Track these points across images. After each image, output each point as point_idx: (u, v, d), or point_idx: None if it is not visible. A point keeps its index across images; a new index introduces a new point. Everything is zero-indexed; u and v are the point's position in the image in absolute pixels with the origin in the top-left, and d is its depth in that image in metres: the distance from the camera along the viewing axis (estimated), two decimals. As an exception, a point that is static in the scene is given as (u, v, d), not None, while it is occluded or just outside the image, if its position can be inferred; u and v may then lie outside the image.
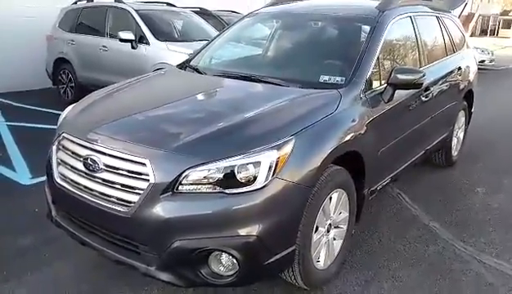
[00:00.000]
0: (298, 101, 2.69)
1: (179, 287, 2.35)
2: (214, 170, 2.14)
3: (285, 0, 4.18)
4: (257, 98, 2.88)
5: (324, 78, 2.98)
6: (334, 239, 2.81)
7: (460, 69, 4.45)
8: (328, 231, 2.70)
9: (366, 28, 3.26)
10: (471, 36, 29.37)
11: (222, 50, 3.86)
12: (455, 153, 4.91)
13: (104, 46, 7.04)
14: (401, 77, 2.95)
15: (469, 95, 4.88)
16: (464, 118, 4.99)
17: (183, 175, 2.12)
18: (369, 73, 2.96)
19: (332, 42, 3.53)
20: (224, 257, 2.21)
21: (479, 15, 33.35)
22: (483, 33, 53.19)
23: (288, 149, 2.26)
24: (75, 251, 2.88)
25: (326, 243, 2.71)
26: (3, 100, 7.69)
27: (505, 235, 3.48)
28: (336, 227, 2.80)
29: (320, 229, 2.60)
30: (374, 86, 3.02)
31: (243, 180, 2.15)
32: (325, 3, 4.14)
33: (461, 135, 5.04)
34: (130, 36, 6.48)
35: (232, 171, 2.14)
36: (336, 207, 2.72)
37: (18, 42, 8.34)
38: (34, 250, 3.03)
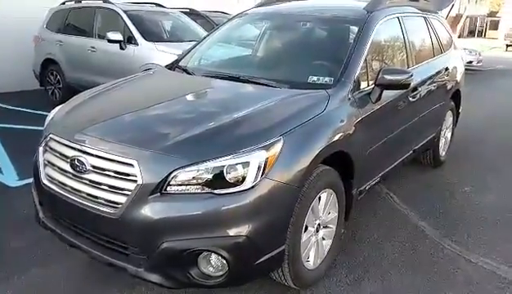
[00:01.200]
0: (287, 102, 2.70)
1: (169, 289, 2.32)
2: (203, 170, 2.14)
3: (274, 1, 4.19)
4: (245, 99, 2.88)
5: (313, 79, 3.00)
6: (324, 239, 2.82)
7: (447, 69, 4.49)
8: (317, 231, 2.71)
9: (354, 28, 3.28)
10: (459, 37, 29.69)
11: (211, 50, 3.86)
12: (442, 153, 4.95)
13: (92, 47, 6.99)
14: (388, 77, 2.97)
15: (456, 96, 4.92)
16: (451, 118, 5.03)
17: (171, 175, 2.11)
18: (357, 74, 2.97)
19: (320, 43, 3.54)
20: (213, 258, 2.20)
21: (467, 17, 33.75)
22: (471, 34, 53.68)
23: (277, 149, 2.26)
24: (65, 253, 2.85)
25: (315, 243, 2.72)
26: (-11, 102, 7.62)
27: (493, 234, 3.52)
28: (325, 227, 2.81)
29: (309, 228, 2.61)
30: (362, 87, 3.04)
31: (232, 181, 2.15)
32: (313, 4, 4.16)
33: (449, 135, 5.09)
34: (118, 37, 6.45)
35: (221, 172, 2.14)
36: (325, 206, 2.73)
37: (5, 43, 8.26)
38: (23, 252, 2.99)
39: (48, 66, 7.71)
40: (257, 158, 2.19)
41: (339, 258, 3.05)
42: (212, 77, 3.26)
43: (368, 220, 3.63)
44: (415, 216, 3.75)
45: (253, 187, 2.16)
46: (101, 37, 6.88)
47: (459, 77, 4.93)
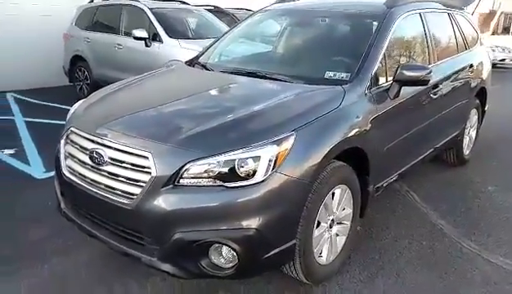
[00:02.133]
0: (302, 97, 2.71)
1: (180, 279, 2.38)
2: (214, 163, 2.18)
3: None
4: (260, 94, 2.90)
5: (329, 74, 2.99)
6: (338, 235, 2.82)
7: (471, 66, 4.39)
8: (330, 227, 2.71)
9: (373, 24, 3.26)
10: (493, 34, 28.82)
11: (230, 47, 3.89)
12: (467, 151, 4.85)
13: (118, 44, 7.14)
14: (407, 73, 2.94)
15: (481, 93, 4.81)
16: (476, 117, 4.92)
17: (184, 168, 2.16)
18: (374, 70, 2.96)
19: (338, 39, 3.53)
20: (224, 249, 2.24)
21: (501, 13, 32.69)
22: (506, 31, 52.06)
23: (288, 144, 2.28)
24: (85, 243, 2.94)
25: (329, 239, 2.72)
26: (22, 97, 7.91)
27: (514, 234, 3.45)
28: (339, 223, 2.81)
29: (322, 224, 2.62)
30: (380, 83, 3.02)
31: (243, 174, 2.18)
32: (335, 1, 4.13)
33: (474, 133, 4.98)
34: (144, 34, 6.57)
35: (232, 165, 2.17)
36: (339, 203, 2.73)
37: (37, 41, 8.54)
38: (46, 241, 3.11)
39: (77, 63, 7.92)
40: (268, 152, 2.21)
41: (354, 255, 3.04)
42: (230, 73, 3.30)
43: (386, 218, 3.61)
44: (434, 215, 3.69)
45: (263, 181, 2.18)
46: (127, 34, 7.01)
47: (485, 75, 4.82)
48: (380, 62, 3.03)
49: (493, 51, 16.22)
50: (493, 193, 4.20)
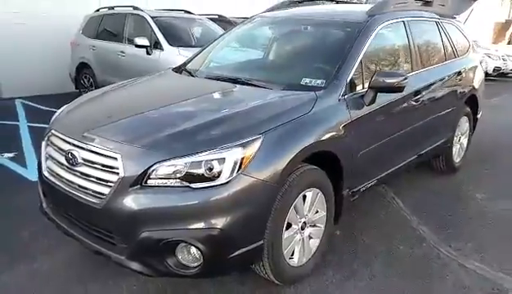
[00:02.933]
0: (274, 102, 2.79)
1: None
2: (182, 165, 2.26)
3: (283, 6, 4.30)
4: (236, 99, 2.99)
5: (305, 81, 3.06)
6: (311, 238, 2.87)
7: (459, 73, 4.42)
8: (303, 229, 2.77)
9: (352, 32, 3.32)
10: (508, 44, 28.54)
11: (217, 54, 3.99)
12: (457, 159, 4.86)
13: (122, 52, 7.31)
14: (381, 80, 2.99)
15: (472, 101, 4.82)
16: (468, 125, 4.92)
17: (151, 169, 2.25)
18: (350, 77, 3.02)
19: (318, 47, 3.59)
20: (190, 249, 2.32)
21: (518, 22, 32.35)
22: (522, 40, 51.39)
23: (255, 147, 2.35)
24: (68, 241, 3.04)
25: (301, 241, 2.78)
26: (29, 103, 8.14)
27: (495, 241, 3.44)
28: (312, 226, 2.86)
29: (293, 226, 2.68)
30: (357, 90, 3.08)
31: (208, 176, 2.26)
32: (320, 9, 4.22)
33: (465, 141, 4.98)
34: (145, 42, 6.72)
35: (198, 167, 2.26)
36: (311, 205, 2.78)
37: (46, 49, 8.80)
38: (31, 240, 3.22)
39: (82, 70, 8.12)
40: (233, 154, 2.29)
41: (330, 257, 3.09)
42: (212, 79, 3.40)
43: (367, 223, 3.65)
44: (416, 221, 3.72)
45: (228, 182, 2.26)
46: (130, 42, 7.16)
47: (476, 83, 4.83)
48: (357, 69, 3.10)
49: (504, 60, 16.11)
50: (480, 201, 4.21)
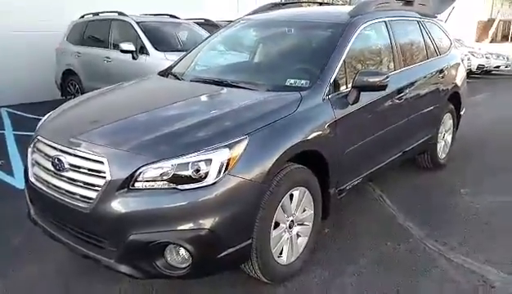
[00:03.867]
0: (259, 103, 2.82)
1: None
2: (168, 167, 2.28)
3: (266, 9, 4.34)
4: (221, 101, 3.02)
5: (290, 82, 3.11)
6: (299, 236, 2.91)
7: (441, 71, 4.50)
8: (290, 227, 2.80)
9: (335, 33, 3.37)
10: (491, 42, 28.97)
11: (203, 57, 4.02)
12: (442, 155, 4.94)
13: (107, 57, 7.29)
14: (364, 79, 3.04)
15: (455, 98, 4.90)
16: (451, 121, 5.01)
17: (138, 172, 2.27)
18: (333, 76, 3.06)
19: (302, 48, 3.64)
20: (178, 250, 2.33)
21: (500, 21, 32.85)
22: (504, 38, 52.13)
23: (241, 147, 2.38)
24: (57, 248, 3.03)
25: (289, 239, 2.81)
26: (15, 112, 8.06)
27: (480, 235, 3.51)
28: (300, 224, 2.90)
29: (281, 225, 2.71)
30: (341, 89, 3.13)
31: (195, 177, 2.28)
32: (302, 11, 4.28)
33: (449, 137, 5.06)
34: (131, 47, 6.72)
35: (185, 169, 2.28)
36: (298, 204, 2.82)
37: (31, 57, 8.73)
38: (21, 248, 3.22)
39: (68, 77, 8.08)
40: (219, 155, 2.31)
41: (318, 255, 3.13)
42: (197, 81, 3.43)
43: (354, 220, 3.69)
44: (402, 217, 3.78)
45: (215, 183, 2.28)
46: (116, 47, 7.16)
47: (458, 80, 4.92)
48: (340, 69, 3.14)
49: (487, 58, 16.38)
50: (464, 196, 4.27)
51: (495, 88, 12.73)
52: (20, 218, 3.50)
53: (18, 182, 4.53)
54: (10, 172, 4.83)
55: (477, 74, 15.35)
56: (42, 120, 3.06)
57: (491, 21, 32.35)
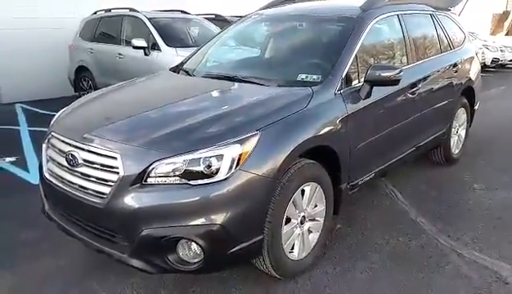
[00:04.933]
0: (270, 98, 2.82)
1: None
2: (180, 163, 2.29)
3: (278, 3, 4.33)
4: (233, 96, 3.03)
5: (301, 77, 3.10)
6: (310, 232, 2.91)
7: (455, 65, 4.44)
8: (302, 223, 2.80)
9: (347, 27, 3.35)
10: (506, 34, 28.51)
11: (214, 53, 4.03)
12: (456, 150, 4.89)
13: (120, 54, 7.34)
14: (376, 73, 3.02)
15: (468, 93, 4.84)
16: (465, 116, 4.95)
17: (151, 167, 2.29)
18: (345, 71, 3.05)
19: (313, 43, 3.62)
20: (190, 245, 2.35)
21: (516, 13, 32.31)
22: (521, 31, 51.27)
23: (252, 143, 2.39)
24: (71, 243, 3.08)
25: (300, 235, 2.81)
26: (29, 108, 8.17)
27: (493, 230, 3.47)
28: (312, 220, 2.90)
29: (292, 220, 2.72)
30: (353, 84, 3.11)
31: (207, 172, 2.29)
32: (314, 5, 4.25)
33: (463, 132, 5.00)
34: (143, 43, 6.75)
35: (197, 164, 2.29)
36: (310, 200, 2.82)
37: (46, 53, 8.84)
38: (34, 243, 3.26)
39: (81, 73, 8.17)
40: (231, 150, 2.32)
41: (329, 251, 3.12)
42: (209, 77, 3.44)
43: (366, 215, 3.68)
44: (415, 212, 3.75)
45: (226, 178, 2.30)
46: (128, 44, 7.21)
47: (472, 74, 4.86)
48: (352, 64, 3.13)
49: (502, 51, 16.13)
50: (478, 192, 4.23)
51: (509, 82, 12.55)
52: (35, 213, 3.58)
53: (33, 177, 4.59)
54: (25, 168, 4.91)
55: (491, 68, 15.13)
56: (56, 116, 3.10)
57: (506, 14, 31.82)
